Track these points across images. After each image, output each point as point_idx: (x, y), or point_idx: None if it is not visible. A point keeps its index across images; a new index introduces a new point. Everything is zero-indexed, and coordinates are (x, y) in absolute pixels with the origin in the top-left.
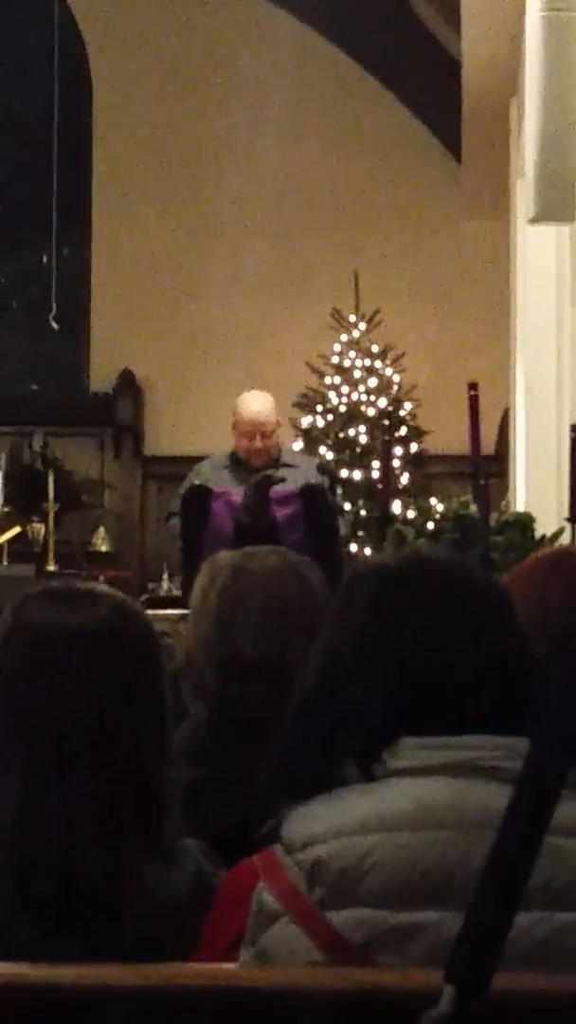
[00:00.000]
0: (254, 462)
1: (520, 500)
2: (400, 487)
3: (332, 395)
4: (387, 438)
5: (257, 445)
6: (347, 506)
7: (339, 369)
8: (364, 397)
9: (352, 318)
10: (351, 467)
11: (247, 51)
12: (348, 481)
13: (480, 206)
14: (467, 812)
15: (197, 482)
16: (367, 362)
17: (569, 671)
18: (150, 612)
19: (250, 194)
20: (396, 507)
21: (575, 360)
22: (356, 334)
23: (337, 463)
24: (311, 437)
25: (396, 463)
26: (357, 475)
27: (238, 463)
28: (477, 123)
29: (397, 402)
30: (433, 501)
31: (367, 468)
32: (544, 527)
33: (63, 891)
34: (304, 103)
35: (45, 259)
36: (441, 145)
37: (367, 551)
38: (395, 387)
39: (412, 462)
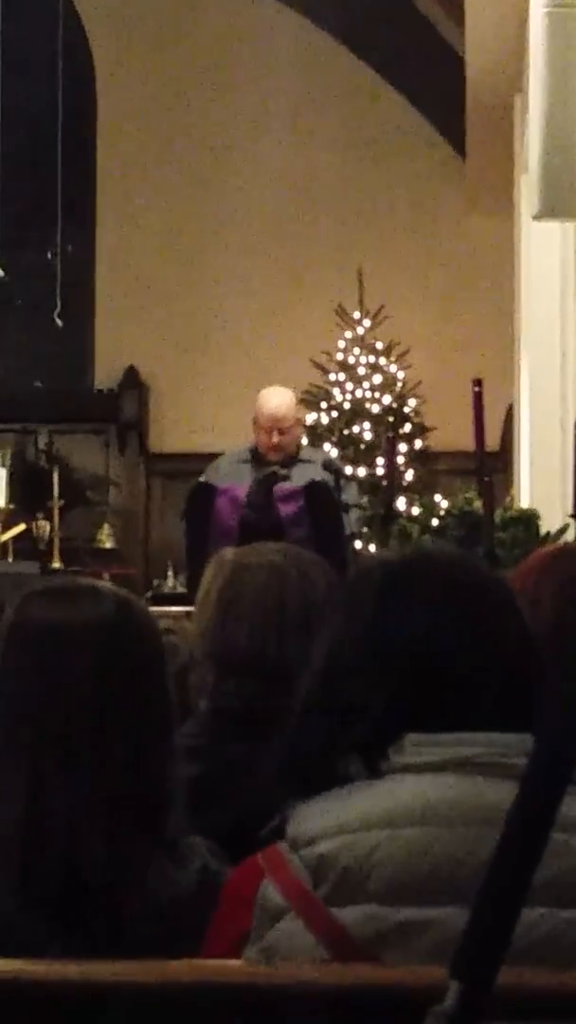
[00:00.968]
0: (272, 457)
1: (524, 496)
2: (404, 483)
3: (336, 392)
4: (391, 435)
5: (274, 441)
6: (363, 500)
7: (343, 366)
8: (368, 394)
9: (356, 315)
10: (355, 464)
11: (252, 48)
12: (352, 478)
13: (484, 202)
14: (472, 808)
15: (203, 479)
16: (371, 359)
17: (574, 667)
18: (155, 609)
19: (254, 191)
20: (400, 503)
21: None
22: (360, 331)
23: (341, 460)
24: (315, 434)
25: (400, 459)
26: (361, 472)
27: (257, 458)
28: (481, 119)
29: (401, 398)
30: (437, 497)
31: (371, 465)
32: (548, 523)
33: (68, 887)
34: (308, 100)
35: (49, 256)
36: (445, 141)
37: (371, 547)
38: (399, 384)
39: (416, 458)
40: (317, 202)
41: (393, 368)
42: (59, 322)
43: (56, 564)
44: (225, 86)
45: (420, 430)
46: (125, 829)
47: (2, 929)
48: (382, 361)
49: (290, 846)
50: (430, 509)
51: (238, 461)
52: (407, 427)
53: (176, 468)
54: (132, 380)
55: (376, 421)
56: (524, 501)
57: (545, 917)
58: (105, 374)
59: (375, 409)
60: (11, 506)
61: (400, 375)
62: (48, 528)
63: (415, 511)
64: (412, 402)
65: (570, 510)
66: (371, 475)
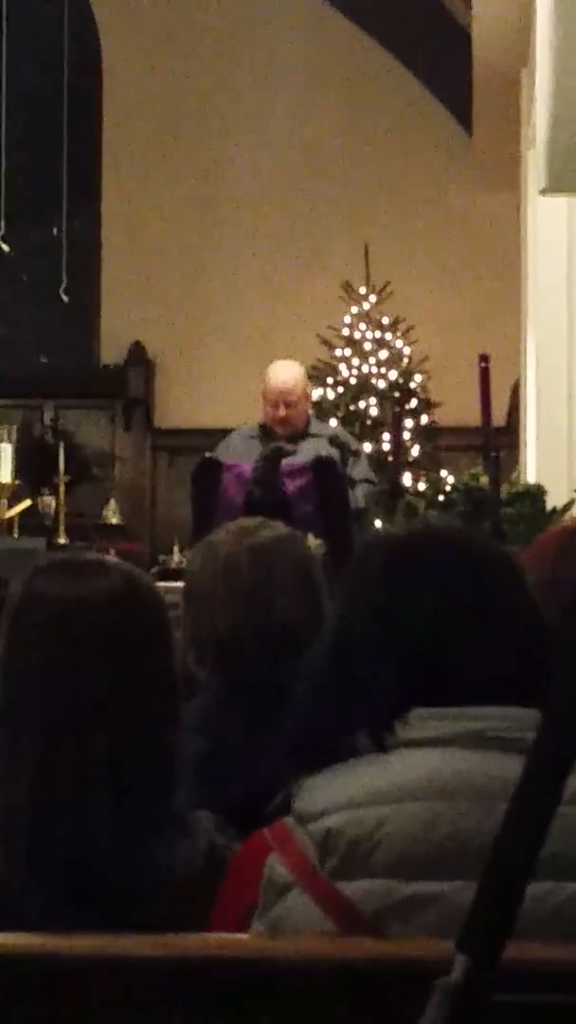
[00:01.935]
0: (279, 431)
1: (531, 472)
2: (411, 459)
3: (343, 367)
4: (398, 410)
5: (281, 414)
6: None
7: (350, 341)
8: (375, 369)
9: (363, 290)
10: (361, 439)
11: (258, 24)
12: (357, 453)
13: (491, 177)
14: (479, 783)
15: (209, 454)
16: (378, 334)
17: None
18: (161, 584)
19: (261, 167)
20: (407, 479)
21: None
22: (367, 306)
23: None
24: (322, 409)
25: (407, 435)
26: (368, 447)
27: (266, 433)
28: (488, 94)
29: (408, 374)
30: (444, 473)
31: (378, 440)
32: (555, 499)
33: (75, 862)
34: (315, 75)
35: (55, 232)
36: (452, 117)
37: (378, 523)
38: (405, 359)
39: (423, 434)
40: (324, 178)
41: (399, 344)
42: (65, 298)
43: (62, 540)
44: (231, 62)
45: (426, 405)
46: (133, 804)
47: (10, 904)
48: (388, 336)
49: (297, 820)
50: (436, 485)
51: (248, 437)
52: (413, 403)
53: (182, 444)
54: (138, 356)
55: (382, 397)
56: (530, 476)
57: (552, 891)
58: (111, 350)
59: (381, 385)
60: (17, 482)
61: (406, 351)
62: (54, 504)
63: (421, 487)
64: (418, 377)
65: None
66: (377, 451)
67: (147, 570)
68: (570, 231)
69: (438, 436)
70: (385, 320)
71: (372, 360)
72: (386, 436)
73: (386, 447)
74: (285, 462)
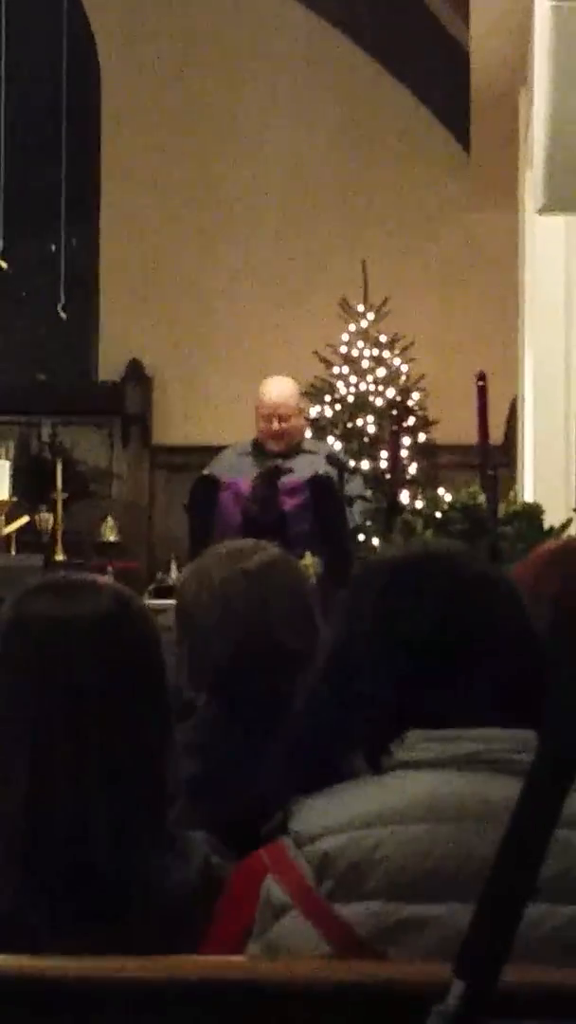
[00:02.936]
0: (273, 446)
1: (528, 490)
2: (408, 477)
3: (340, 385)
4: (395, 428)
5: (274, 428)
6: (367, 492)
7: (347, 359)
8: (372, 387)
9: (360, 308)
10: (359, 457)
11: (256, 40)
12: (356, 470)
13: (489, 196)
14: (475, 805)
15: (206, 471)
16: (375, 352)
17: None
18: (158, 602)
19: (258, 184)
20: (404, 497)
21: None
22: (364, 324)
23: (345, 453)
24: (319, 427)
25: (404, 453)
26: (365, 465)
27: (259, 449)
28: (486, 113)
29: (405, 392)
30: (441, 491)
31: (375, 458)
32: (552, 517)
33: (71, 882)
34: (313, 93)
35: (53, 249)
36: (450, 135)
37: (375, 541)
38: (403, 377)
39: (420, 452)
40: (321, 195)
41: (397, 361)
42: (63, 314)
43: (59, 557)
44: (229, 79)
45: (424, 423)
46: (128, 825)
47: (5, 924)
48: (386, 354)
49: (294, 842)
50: (434, 503)
51: (241, 454)
52: (411, 420)
53: (180, 461)
54: (136, 372)
55: (380, 414)
56: (528, 495)
57: (549, 914)
58: (109, 366)
59: (379, 402)
60: (14, 498)
61: (404, 368)
62: (51, 521)
63: (419, 505)
64: (416, 395)
65: (574, 504)
66: (375, 468)
67: (144, 587)
68: (567, 250)
69: (436, 454)
70: (383, 338)
71: (370, 378)
72: (383, 454)
73: (383, 465)
74: (282, 480)
